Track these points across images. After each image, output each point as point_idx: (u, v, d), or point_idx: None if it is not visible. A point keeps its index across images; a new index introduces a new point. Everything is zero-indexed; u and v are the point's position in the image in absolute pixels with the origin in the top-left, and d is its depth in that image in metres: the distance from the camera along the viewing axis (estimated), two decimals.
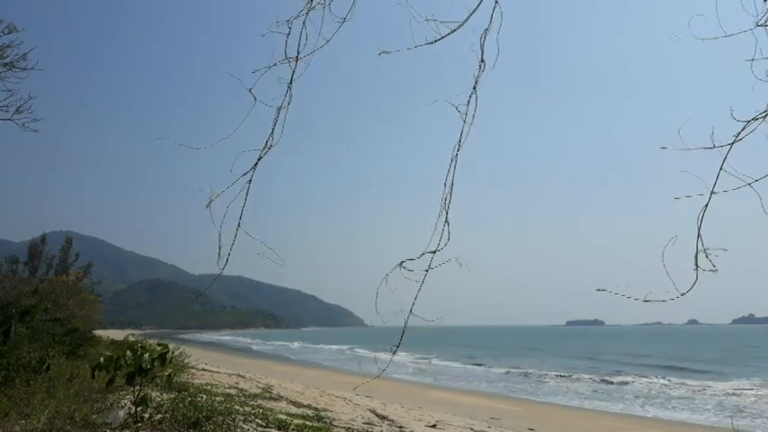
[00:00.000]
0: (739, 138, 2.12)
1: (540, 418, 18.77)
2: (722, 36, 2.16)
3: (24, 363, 9.97)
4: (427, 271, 2.39)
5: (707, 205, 2.19)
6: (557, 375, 36.73)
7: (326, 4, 2.51)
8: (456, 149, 2.48)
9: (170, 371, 10.80)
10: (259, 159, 2.55)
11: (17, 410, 7.47)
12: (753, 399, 26.48)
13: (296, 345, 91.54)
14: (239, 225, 2.52)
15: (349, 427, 10.43)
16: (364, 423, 11.67)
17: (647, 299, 2.22)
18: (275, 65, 2.54)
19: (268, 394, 14.73)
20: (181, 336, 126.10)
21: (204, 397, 10.35)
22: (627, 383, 32.88)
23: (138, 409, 7.71)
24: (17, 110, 10.14)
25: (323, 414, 11.80)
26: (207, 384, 14.54)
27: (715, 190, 2.16)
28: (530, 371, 40.33)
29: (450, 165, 2.45)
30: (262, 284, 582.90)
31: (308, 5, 2.52)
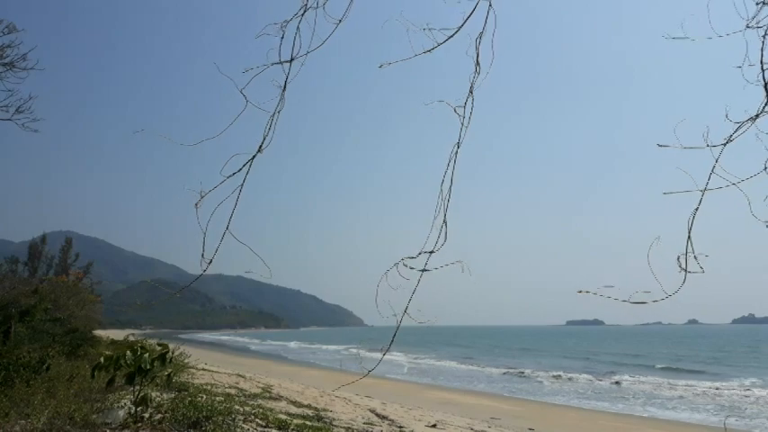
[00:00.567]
0: (731, 139, 2.14)
1: (540, 418, 18.78)
2: (714, 37, 2.17)
3: (24, 363, 9.98)
4: (422, 271, 2.40)
5: (698, 207, 2.21)
6: (551, 375, 36.82)
7: (321, 5, 2.52)
8: (454, 151, 2.48)
9: (170, 371, 10.80)
10: (250, 161, 2.56)
11: (17, 410, 7.47)
12: (748, 398, 26.53)
13: (293, 344, 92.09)
14: (227, 228, 2.52)
15: (349, 427, 10.43)
16: (364, 423, 11.68)
17: (632, 300, 2.21)
18: (267, 67, 2.54)
19: (268, 394, 14.73)
20: (181, 336, 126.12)
21: (204, 397, 10.35)
22: (620, 383, 32.97)
23: (138, 409, 7.71)
24: (17, 110, 10.14)
25: (323, 414, 11.80)
26: (207, 384, 14.54)
27: (708, 190, 2.18)
28: (525, 371, 40.46)
29: (448, 166, 2.46)
30: (262, 284, 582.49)
31: (303, 8, 2.52)
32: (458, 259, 2.34)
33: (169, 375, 9.98)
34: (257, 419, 9.04)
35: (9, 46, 10.02)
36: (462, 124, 2.49)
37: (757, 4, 2.08)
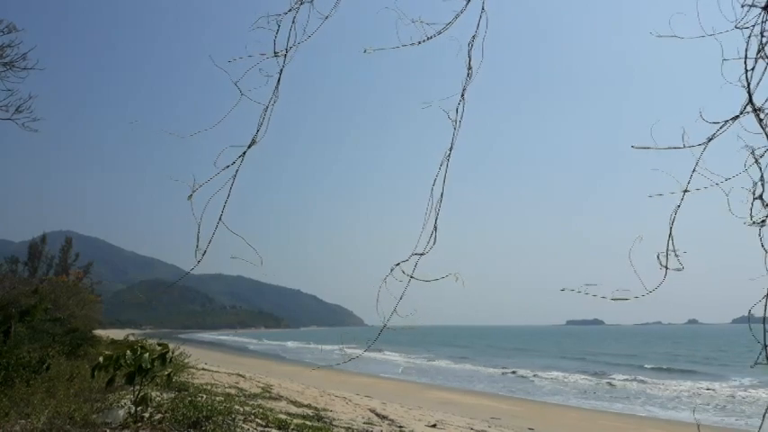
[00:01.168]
0: (711, 138, 2.16)
1: (540, 417, 18.79)
2: (705, 36, 2.18)
3: (24, 363, 9.98)
4: (410, 278, 2.41)
5: (679, 206, 2.22)
6: (541, 375, 36.98)
7: (312, 1, 2.52)
8: (446, 155, 2.49)
9: (170, 371, 10.80)
10: (243, 153, 2.56)
11: (17, 410, 7.47)
12: (734, 398, 26.59)
13: (290, 344, 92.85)
14: (220, 219, 2.52)
15: (349, 427, 10.43)
16: (364, 423, 11.68)
17: (612, 297, 2.24)
18: (264, 58, 2.54)
19: (268, 394, 14.73)
20: (180, 335, 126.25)
21: (204, 397, 10.36)
22: (612, 383, 33.13)
23: (138, 408, 7.71)
24: (17, 110, 10.13)
25: (323, 414, 11.80)
26: (207, 384, 14.54)
27: (687, 192, 2.20)
28: (517, 370, 40.71)
29: (440, 169, 2.47)
30: (262, 284, 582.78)
31: (299, 1, 2.53)
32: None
33: (169, 375, 9.97)
34: (257, 419, 9.04)
35: (9, 46, 10.01)
36: (454, 128, 2.49)
37: (743, 6, 2.09)
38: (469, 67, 2.49)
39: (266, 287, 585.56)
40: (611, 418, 20.09)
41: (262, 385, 17.78)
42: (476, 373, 40.63)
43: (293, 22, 2.52)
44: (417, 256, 2.41)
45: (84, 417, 7.37)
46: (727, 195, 2.10)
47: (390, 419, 13.04)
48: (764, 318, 2.04)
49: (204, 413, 7.99)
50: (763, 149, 2.06)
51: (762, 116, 2.04)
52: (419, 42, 2.48)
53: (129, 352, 7.77)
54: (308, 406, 13.23)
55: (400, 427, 12.03)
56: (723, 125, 2.12)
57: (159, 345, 8.69)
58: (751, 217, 2.05)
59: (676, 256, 2.17)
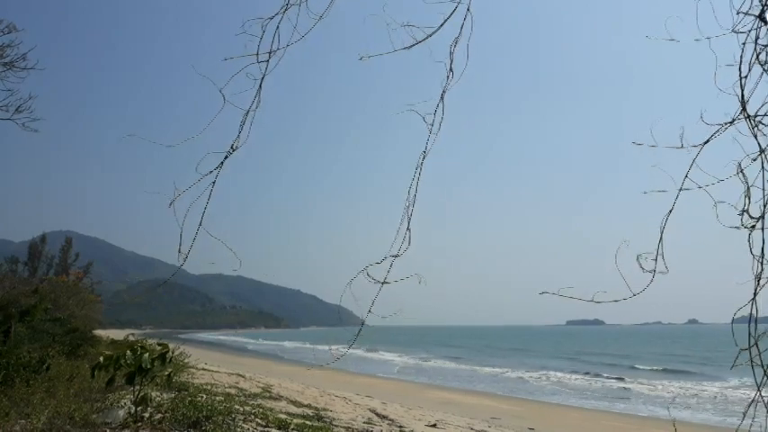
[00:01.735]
0: (706, 142, 2.17)
1: (540, 417, 18.79)
2: (701, 39, 2.20)
3: (24, 363, 9.98)
4: (383, 284, 2.45)
5: (671, 210, 2.23)
6: (530, 375, 37.14)
7: (301, 2, 2.53)
8: (420, 160, 2.50)
9: (170, 370, 10.80)
10: (225, 159, 2.59)
11: (17, 410, 7.47)
12: (715, 398, 26.61)
13: (287, 344, 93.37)
14: (201, 223, 2.55)
15: (349, 427, 10.43)
16: (364, 423, 11.68)
17: (595, 300, 2.26)
18: (248, 64, 2.57)
19: (268, 394, 14.74)
20: (180, 335, 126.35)
21: (204, 396, 10.36)
22: (595, 383, 33.41)
23: (138, 408, 7.71)
24: (17, 110, 10.14)
25: (323, 414, 11.80)
26: (207, 384, 14.54)
27: (683, 190, 2.22)
28: (507, 370, 41.04)
29: (415, 173, 2.48)
30: (262, 284, 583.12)
31: (284, 7, 2.54)
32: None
33: (169, 375, 9.98)
34: (257, 419, 9.04)
35: (9, 46, 10.02)
36: (430, 131, 2.49)
37: (738, 13, 2.11)
38: (450, 70, 2.49)
39: (266, 287, 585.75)
40: (611, 418, 20.10)
41: (262, 385, 17.78)
42: (468, 372, 41.02)
43: (277, 27, 2.54)
44: (392, 258, 2.42)
45: (84, 417, 7.38)
46: (715, 203, 2.12)
47: (390, 419, 13.04)
48: (749, 321, 2.06)
49: (204, 413, 7.99)
50: (756, 155, 2.08)
51: (754, 123, 2.06)
52: (409, 47, 2.49)
53: (129, 352, 7.77)
54: (308, 406, 13.24)
55: (400, 426, 12.03)
56: (717, 130, 2.13)
57: (159, 345, 8.70)
58: (741, 223, 2.07)
59: (654, 259, 2.19)
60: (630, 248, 2.27)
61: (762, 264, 2.04)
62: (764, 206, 2.05)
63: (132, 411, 7.69)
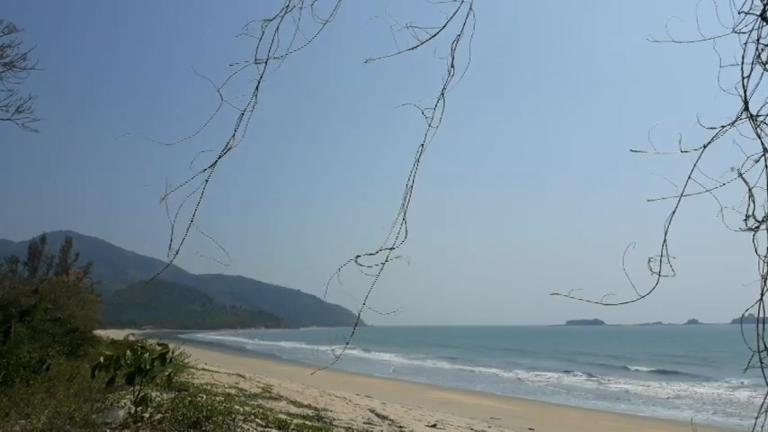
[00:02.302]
0: (707, 144, 2.17)
1: (540, 417, 18.79)
2: (701, 40, 2.20)
3: (24, 363, 9.98)
4: (377, 275, 2.46)
5: (674, 212, 2.23)
6: (523, 377, 37.33)
7: (304, 6, 2.54)
8: (417, 155, 2.51)
9: (170, 371, 10.80)
10: (218, 158, 2.61)
11: (17, 410, 7.47)
12: (732, 399, 26.61)
13: (283, 344, 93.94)
14: (192, 221, 2.58)
15: (349, 427, 10.43)
16: (364, 423, 11.68)
17: (604, 302, 2.27)
18: (245, 65, 2.57)
19: (268, 394, 14.73)
20: (180, 335, 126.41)
21: (204, 397, 10.35)
22: (580, 383, 33.64)
23: (138, 408, 7.71)
24: (17, 110, 10.15)
25: (323, 414, 11.80)
26: (207, 384, 14.54)
27: (685, 196, 2.22)
28: (497, 370, 41.38)
29: (414, 166, 2.49)
30: (262, 284, 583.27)
31: (284, 9, 2.55)
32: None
33: (169, 375, 9.98)
34: (257, 419, 9.04)
35: (9, 46, 10.03)
36: (429, 126, 2.50)
37: (740, 13, 2.11)
38: (451, 67, 2.49)
39: (266, 287, 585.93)
40: (611, 418, 20.10)
41: (262, 385, 17.78)
42: (459, 372, 41.27)
43: (277, 29, 2.54)
44: (387, 251, 2.43)
45: (84, 417, 7.38)
46: (721, 209, 2.12)
47: (390, 419, 13.04)
48: (757, 322, 2.06)
49: (204, 413, 7.99)
50: (759, 156, 2.07)
51: (757, 123, 2.05)
52: (414, 48, 2.49)
53: (129, 352, 7.77)
54: (308, 406, 13.23)
55: (400, 427, 12.03)
56: (719, 131, 2.13)
57: (159, 345, 8.70)
58: (746, 223, 2.06)
59: (669, 262, 2.19)
60: (634, 250, 2.27)
61: None
62: None
63: (132, 411, 7.69)
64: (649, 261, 2.18)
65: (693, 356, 60.57)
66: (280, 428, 8.65)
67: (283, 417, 9.79)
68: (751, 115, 2.07)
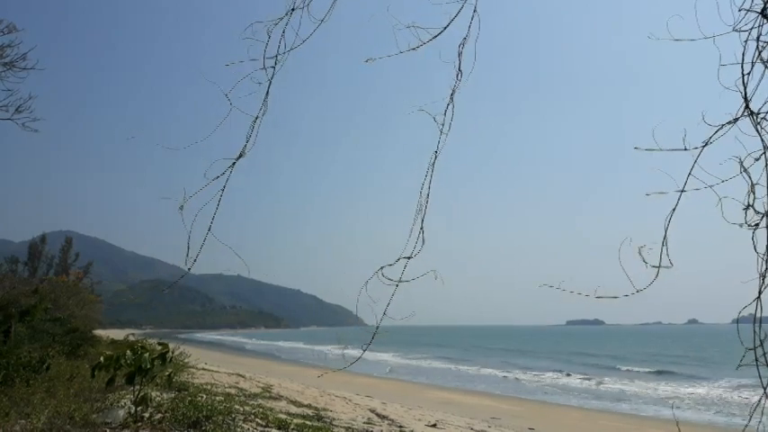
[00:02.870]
0: (708, 142, 2.18)
1: (540, 417, 18.79)
2: (701, 38, 2.20)
3: (24, 363, 9.98)
4: (399, 281, 2.44)
5: (674, 209, 2.23)
6: (516, 377, 37.48)
7: (307, 7, 2.54)
8: (432, 159, 2.50)
9: (170, 370, 10.81)
10: (231, 165, 2.60)
11: (17, 410, 7.47)
12: (725, 399, 26.61)
13: (281, 344, 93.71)
14: (209, 229, 2.57)
15: (349, 427, 10.43)
16: (364, 423, 11.68)
17: (596, 295, 2.28)
18: (253, 70, 2.57)
19: (268, 394, 14.73)
20: (180, 335, 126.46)
21: (204, 396, 10.35)
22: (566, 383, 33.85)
23: (138, 408, 7.71)
24: (17, 110, 10.14)
25: (323, 414, 11.80)
26: (207, 384, 14.54)
27: (684, 191, 2.23)
28: (488, 370, 41.66)
29: (427, 173, 2.48)
30: (262, 284, 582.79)
31: (290, 11, 2.54)
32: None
33: (169, 375, 9.99)
34: (257, 419, 9.04)
35: (9, 46, 10.02)
36: (441, 131, 2.49)
37: (740, 10, 2.11)
38: (459, 70, 2.49)
39: (266, 287, 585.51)
40: (611, 418, 20.10)
41: (262, 385, 17.78)
42: (454, 372, 41.43)
43: (283, 33, 2.54)
44: (405, 260, 2.42)
45: (84, 417, 7.38)
46: (720, 200, 2.12)
47: (390, 419, 13.04)
48: (754, 320, 2.05)
49: (204, 413, 7.99)
50: (759, 153, 2.08)
51: (758, 120, 2.05)
52: (416, 48, 2.49)
53: (129, 352, 7.77)
54: (308, 406, 13.23)
55: (400, 426, 12.03)
56: (719, 129, 2.14)
57: (159, 345, 8.70)
58: (745, 220, 2.07)
59: (667, 254, 2.19)
60: (633, 247, 2.27)
61: (767, 261, 2.04)
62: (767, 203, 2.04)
63: (132, 411, 7.69)
64: (640, 250, 2.17)
65: (693, 356, 60.52)
66: (280, 428, 8.65)
67: (283, 417, 9.79)
68: (752, 112, 2.07)
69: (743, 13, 2.09)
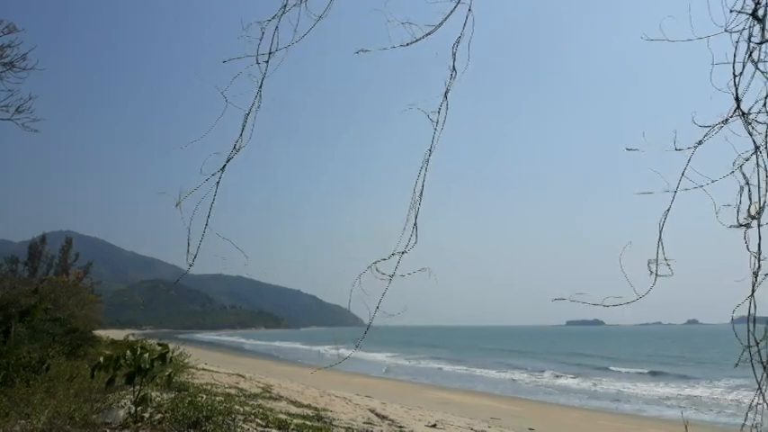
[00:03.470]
0: (700, 142, 2.20)
1: (540, 417, 18.79)
2: (693, 39, 2.22)
3: (24, 363, 9.98)
4: (392, 277, 2.46)
5: (668, 210, 2.26)
6: (510, 378, 37.66)
7: (303, 4, 2.55)
8: (426, 156, 2.52)
9: (170, 371, 10.81)
10: (228, 161, 2.61)
11: (17, 410, 7.47)
12: (720, 399, 26.63)
13: (277, 344, 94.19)
14: (207, 224, 2.58)
15: (349, 427, 10.44)
16: (364, 423, 11.69)
17: (605, 304, 2.30)
18: (248, 66, 2.58)
19: (268, 394, 14.74)
20: (180, 336, 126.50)
21: (204, 397, 10.36)
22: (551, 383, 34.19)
23: (138, 408, 7.72)
24: (17, 110, 10.15)
25: (323, 414, 11.81)
26: (207, 384, 14.54)
27: (677, 191, 2.25)
28: (478, 370, 42.15)
29: (421, 170, 2.49)
30: (262, 284, 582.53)
31: (283, 8, 2.55)
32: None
33: (169, 375, 9.99)
34: (257, 419, 9.05)
35: (9, 46, 10.03)
36: (435, 129, 2.51)
37: (731, 12, 2.13)
38: (453, 69, 2.50)
39: (266, 287, 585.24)
40: (611, 418, 20.10)
41: (262, 385, 17.79)
42: (451, 372, 41.63)
43: (276, 29, 2.55)
44: (399, 255, 2.44)
45: (84, 417, 7.38)
46: (714, 202, 2.14)
47: (390, 419, 13.05)
48: (748, 319, 2.09)
49: (204, 413, 8.00)
50: (750, 153, 2.10)
51: (748, 121, 2.07)
52: (408, 44, 2.50)
53: (128, 352, 7.77)
54: (308, 406, 13.24)
55: (400, 427, 12.04)
56: (711, 129, 2.16)
57: (159, 345, 8.70)
58: (738, 220, 2.09)
59: (666, 262, 2.21)
60: (633, 250, 2.28)
61: (759, 260, 2.06)
62: (760, 203, 2.06)
63: (132, 411, 7.69)
64: (649, 263, 2.19)
65: (693, 357, 60.55)
66: (280, 428, 8.65)
67: (283, 417, 9.79)
68: (743, 113, 2.09)
69: (734, 14, 2.11)
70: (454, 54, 2.50)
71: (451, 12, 2.41)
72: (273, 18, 2.55)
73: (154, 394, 8.84)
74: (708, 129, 2.17)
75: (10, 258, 48.66)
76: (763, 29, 2.08)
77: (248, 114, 2.61)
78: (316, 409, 12.78)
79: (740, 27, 2.11)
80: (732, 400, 25.71)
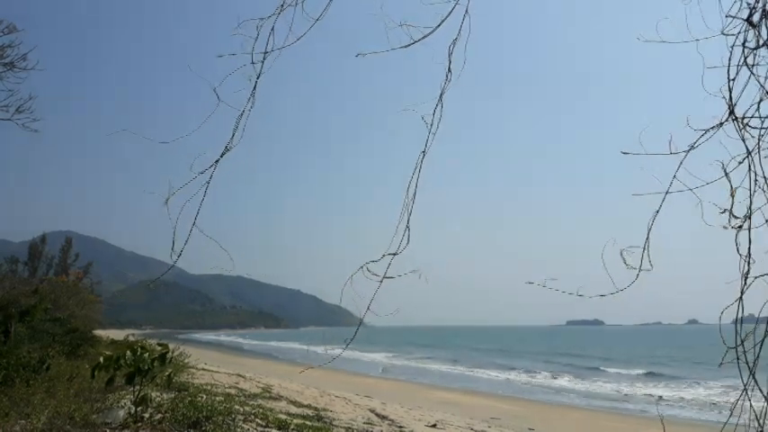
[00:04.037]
0: (693, 146, 2.21)
1: (540, 417, 18.80)
2: (690, 41, 2.24)
3: (24, 363, 9.99)
4: (383, 279, 2.46)
5: (658, 211, 2.27)
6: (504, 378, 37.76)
7: (298, 4, 2.55)
8: (419, 159, 2.52)
9: (170, 371, 10.81)
10: (219, 159, 2.62)
11: (17, 410, 7.48)
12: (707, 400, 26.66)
13: (274, 343, 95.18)
14: (194, 223, 2.59)
15: (349, 427, 10.44)
16: (364, 423, 11.69)
17: (578, 293, 2.33)
18: (243, 65, 2.59)
19: (268, 394, 14.74)
20: (180, 336, 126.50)
21: (204, 397, 10.37)
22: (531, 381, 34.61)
23: (138, 408, 7.72)
24: (17, 110, 10.16)
25: (323, 414, 11.81)
26: (207, 384, 14.54)
27: (669, 193, 2.27)
28: (473, 369, 42.52)
29: (414, 172, 2.51)
30: (262, 284, 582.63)
31: (279, 8, 2.55)
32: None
33: (169, 375, 9.99)
34: (257, 419, 9.05)
35: (9, 46, 10.04)
36: (429, 131, 2.51)
37: (727, 17, 2.14)
38: (449, 70, 2.51)
39: (266, 287, 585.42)
40: (612, 418, 20.11)
41: (262, 385, 17.79)
42: (448, 372, 41.76)
43: (272, 29, 2.56)
44: (390, 256, 2.44)
45: (84, 417, 7.39)
46: (700, 202, 2.19)
47: (390, 419, 13.05)
48: (736, 320, 2.09)
49: (204, 413, 8.00)
50: (742, 157, 2.11)
51: (742, 125, 2.09)
52: (407, 45, 2.51)
53: (128, 352, 7.78)
54: (308, 406, 13.24)
55: (400, 427, 12.04)
56: (704, 133, 2.18)
57: (159, 345, 8.71)
58: (729, 223, 2.11)
59: (648, 257, 2.24)
60: (633, 250, 2.30)
61: (749, 263, 2.08)
62: (750, 207, 2.08)
63: (132, 411, 7.70)
64: (621, 253, 2.22)
65: (692, 357, 60.55)
66: (280, 428, 8.66)
67: (283, 417, 9.80)
68: (736, 117, 2.11)
69: (729, 19, 2.13)
70: (450, 56, 2.50)
71: (449, 14, 2.42)
72: (270, 17, 2.55)
73: (154, 394, 8.84)
74: (702, 132, 2.19)
75: (10, 258, 48.61)
76: (757, 34, 2.10)
77: (242, 114, 2.61)
78: (316, 409, 12.79)
79: (736, 31, 2.13)
80: (726, 402, 25.77)
